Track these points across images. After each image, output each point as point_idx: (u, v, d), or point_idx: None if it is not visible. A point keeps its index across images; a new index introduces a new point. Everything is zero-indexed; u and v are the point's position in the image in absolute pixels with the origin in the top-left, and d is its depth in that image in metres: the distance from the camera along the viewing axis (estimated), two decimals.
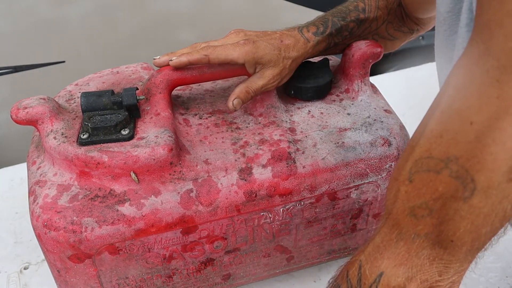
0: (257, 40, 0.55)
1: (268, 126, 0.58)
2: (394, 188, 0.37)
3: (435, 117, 0.35)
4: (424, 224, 0.35)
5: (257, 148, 0.55)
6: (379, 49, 0.60)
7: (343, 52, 0.62)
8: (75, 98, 0.59)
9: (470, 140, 0.32)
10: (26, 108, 0.52)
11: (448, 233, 0.34)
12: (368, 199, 0.59)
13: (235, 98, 0.55)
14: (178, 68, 0.55)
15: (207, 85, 0.64)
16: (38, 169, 0.54)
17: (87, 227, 0.49)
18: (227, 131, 0.57)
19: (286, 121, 0.58)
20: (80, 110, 0.55)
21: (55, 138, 0.52)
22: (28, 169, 0.56)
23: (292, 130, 0.57)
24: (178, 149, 0.53)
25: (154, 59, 0.56)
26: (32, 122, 0.53)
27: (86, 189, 0.51)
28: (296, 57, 0.57)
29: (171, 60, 0.54)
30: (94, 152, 0.50)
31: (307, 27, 0.59)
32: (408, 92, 1.05)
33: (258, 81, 0.56)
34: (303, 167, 0.55)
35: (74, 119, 0.55)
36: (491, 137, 0.31)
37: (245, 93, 0.55)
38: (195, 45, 0.57)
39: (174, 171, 0.52)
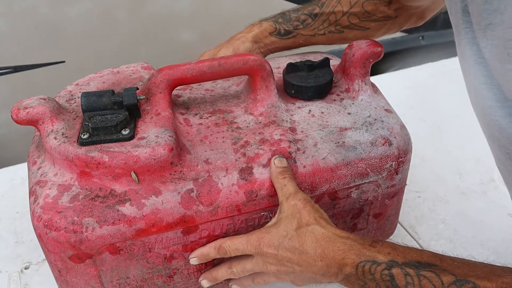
0: None
1: (269, 125, 0.58)
2: None
3: None
4: None
5: (258, 148, 0.55)
6: (379, 49, 0.60)
7: (312, 43, 0.71)
8: (75, 98, 0.59)
9: None
10: (26, 108, 0.52)
11: None
12: (369, 198, 0.59)
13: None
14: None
15: (208, 84, 0.64)
16: (38, 169, 0.54)
17: (87, 227, 0.49)
18: (227, 130, 0.57)
19: (287, 121, 0.58)
20: (81, 110, 0.55)
21: (55, 138, 0.52)
22: (29, 169, 0.56)
23: (292, 130, 0.57)
24: (179, 149, 0.53)
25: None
26: (33, 122, 0.53)
27: (86, 189, 0.51)
28: (242, 37, 0.69)
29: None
30: (94, 152, 0.50)
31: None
32: (408, 92, 1.05)
33: None
34: (304, 166, 0.55)
35: (75, 119, 0.55)
36: None
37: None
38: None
39: (175, 171, 0.52)
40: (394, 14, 0.70)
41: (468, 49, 0.44)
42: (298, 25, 0.69)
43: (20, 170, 0.87)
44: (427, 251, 0.45)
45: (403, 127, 0.60)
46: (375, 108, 0.60)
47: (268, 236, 0.50)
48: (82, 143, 0.51)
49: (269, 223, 0.52)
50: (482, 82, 0.43)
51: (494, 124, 0.43)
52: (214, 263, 0.57)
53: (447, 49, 1.10)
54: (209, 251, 0.54)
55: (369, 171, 0.57)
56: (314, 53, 0.72)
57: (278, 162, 0.53)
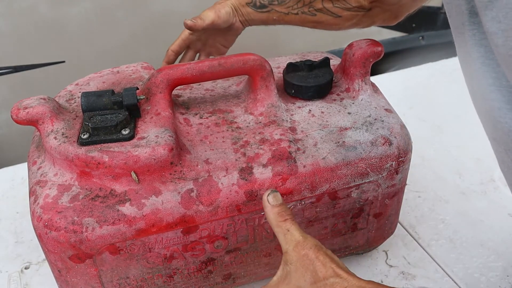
0: None
1: (269, 125, 0.58)
2: None
3: None
4: None
5: (258, 148, 0.55)
6: (379, 48, 0.60)
7: (281, 21, 0.73)
8: (75, 98, 0.59)
9: None
10: (26, 108, 0.52)
11: None
12: (369, 198, 0.59)
13: None
14: None
15: (208, 84, 0.64)
16: (38, 169, 0.54)
17: (87, 227, 0.49)
18: (227, 130, 0.57)
19: (287, 121, 0.58)
20: (81, 110, 0.55)
21: (55, 138, 0.52)
22: (29, 169, 0.56)
23: (292, 130, 0.57)
24: (179, 148, 0.53)
25: None
26: (33, 122, 0.53)
27: (86, 189, 0.51)
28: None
29: None
30: (94, 152, 0.50)
31: None
32: (408, 92, 1.05)
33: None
34: (304, 166, 0.55)
35: (75, 119, 0.55)
36: None
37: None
38: None
39: (175, 171, 0.52)
40: (369, 6, 0.70)
41: (475, 51, 0.43)
42: (273, 0, 0.72)
43: (20, 170, 0.87)
44: None
45: (403, 126, 0.60)
46: (375, 107, 0.60)
47: None
48: (82, 143, 0.51)
49: (275, 278, 0.44)
50: (490, 84, 0.42)
51: (503, 126, 0.42)
52: (213, 263, 0.57)
53: (447, 49, 1.10)
54: None
55: (369, 170, 0.57)
56: (314, 53, 0.72)
57: (273, 200, 0.47)
